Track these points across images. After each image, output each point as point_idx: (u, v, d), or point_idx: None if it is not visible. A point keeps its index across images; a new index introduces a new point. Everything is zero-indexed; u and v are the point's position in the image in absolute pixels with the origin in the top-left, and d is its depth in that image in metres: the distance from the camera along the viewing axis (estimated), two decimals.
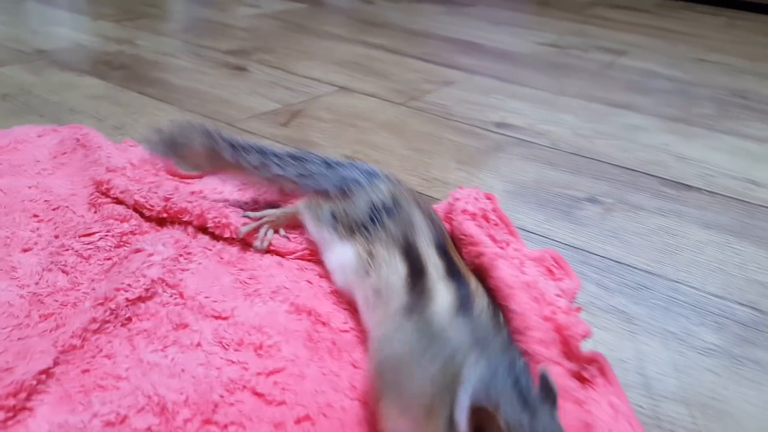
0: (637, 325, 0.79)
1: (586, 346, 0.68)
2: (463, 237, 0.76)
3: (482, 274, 0.72)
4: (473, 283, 0.67)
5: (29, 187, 0.96)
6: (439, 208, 0.90)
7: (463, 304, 0.63)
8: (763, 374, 0.72)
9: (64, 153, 1.07)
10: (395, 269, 0.69)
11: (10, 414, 0.58)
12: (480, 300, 0.65)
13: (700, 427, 0.64)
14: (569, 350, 0.65)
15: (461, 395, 0.50)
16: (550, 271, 0.83)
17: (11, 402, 0.59)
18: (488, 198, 0.91)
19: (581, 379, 0.66)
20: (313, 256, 0.84)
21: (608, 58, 2.16)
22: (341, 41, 2.15)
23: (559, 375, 0.62)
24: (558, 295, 0.71)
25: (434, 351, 0.56)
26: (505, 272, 0.69)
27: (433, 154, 1.25)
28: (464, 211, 0.80)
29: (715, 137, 1.46)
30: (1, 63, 1.59)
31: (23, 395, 0.59)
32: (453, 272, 0.67)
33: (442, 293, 0.64)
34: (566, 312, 0.67)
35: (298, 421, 0.60)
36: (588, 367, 0.66)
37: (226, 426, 0.59)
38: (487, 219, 0.82)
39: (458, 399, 0.50)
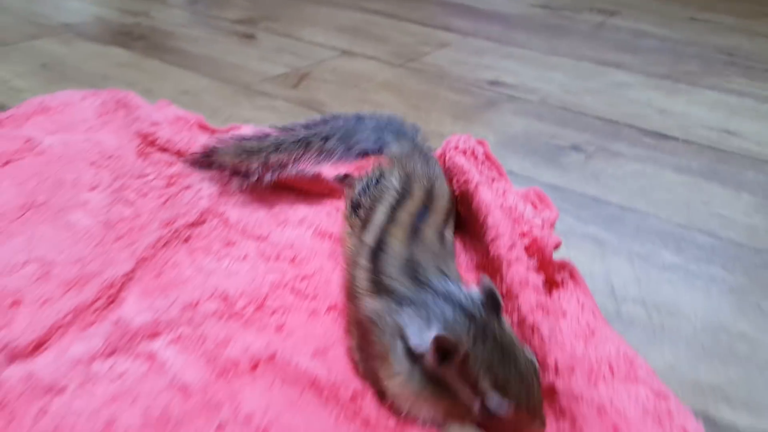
0: (607, 248, 1.00)
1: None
2: (452, 168, 0.97)
3: (467, 201, 0.93)
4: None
5: (83, 141, 1.17)
6: (436, 154, 1.11)
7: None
8: (713, 285, 0.92)
9: (107, 113, 1.28)
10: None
11: (109, 300, 0.80)
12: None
13: (654, 322, 0.85)
14: (543, 257, 0.86)
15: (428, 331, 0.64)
16: (533, 204, 1.04)
17: (107, 292, 0.80)
18: (479, 143, 1.11)
19: (553, 283, 0.87)
20: (331, 192, 1.05)
21: (599, 19, 2.36)
22: (341, 8, 2.35)
23: (521, 269, 0.80)
24: (534, 216, 0.91)
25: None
26: (486, 196, 0.90)
27: (431, 110, 1.46)
28: (455, 148, 1.01)
29: (697, 92, 1.66)
30: (34, 36, 1.80)
31: (115, 289, 0.81)
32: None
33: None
34: (540, 227, 0.88)
35: (327, 310, 0.82)
36: (560, 272, 0.88)
37: (274, 311, 0.80)
38: (475, 156, 1.03)
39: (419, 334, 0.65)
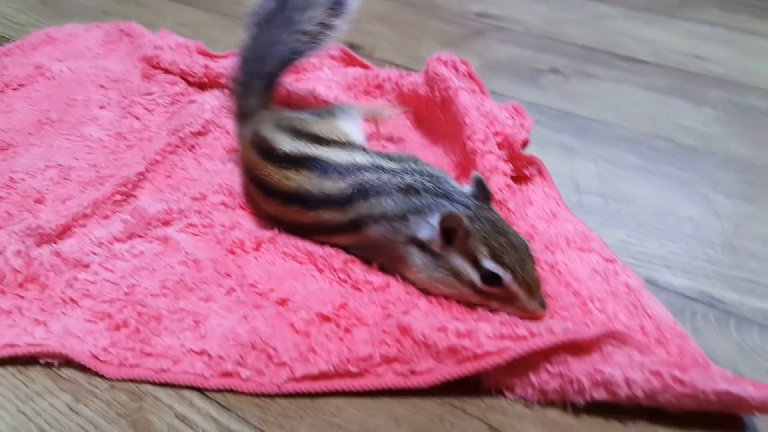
0: (575, 152, 1.10)
1: None
2: (435, 76, 1.06)
3: (447, 107, 1.02)
4: None
5: (90, 67, 1.26)
6: (422, 72, 1.20)
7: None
8: (667, 180, 1.02)
9: (112, 42, 1.36)
10: None
11: (124, 196, 0.91)
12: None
13: (611, 208, 0.96)
14: (513, 152, 0.96)
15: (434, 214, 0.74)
16: (511, 115, 1.14)
17: (123, 189, 0.91)
18: (463, 62, 1.20)
19: (522, 176, 0.97)
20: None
21: None
22: None
23: (492, 159, 0.89)
24: (507, 118, 1.01)
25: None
26: (465, 99, 1.00)
27: (421, 39, 1.55)
28: (437, 59, 1.10)
29: (673, 23, 1.74)
30: None
31: (130, 185, 0.92)
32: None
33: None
34: (512, 127, 0.98)
35: None
36: (528, 167, 0.98)
37: None
38: (457, 70, 1.12)
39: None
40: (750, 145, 1.13)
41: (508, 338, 0.65)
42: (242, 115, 0.99)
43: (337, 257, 0.79)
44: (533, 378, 0.65)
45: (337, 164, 0.80)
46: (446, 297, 0.75)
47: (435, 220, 0.73)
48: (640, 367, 0.62)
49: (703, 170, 1.05)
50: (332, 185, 0.79)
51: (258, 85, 1.00)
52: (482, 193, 0.76)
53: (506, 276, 0.70)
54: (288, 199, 0.82)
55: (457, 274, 0.73)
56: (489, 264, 0.70)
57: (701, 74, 1.43)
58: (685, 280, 0.82)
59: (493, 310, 0.72)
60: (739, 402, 0.60)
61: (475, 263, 0.71)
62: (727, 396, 0.59)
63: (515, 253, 0.71)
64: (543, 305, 0.71)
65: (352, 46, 1.47)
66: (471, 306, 0.73)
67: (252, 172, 0.86)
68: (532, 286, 0.71)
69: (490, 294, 0.72)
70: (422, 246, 0.74)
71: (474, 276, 0.71)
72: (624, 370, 0.62)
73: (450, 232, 0.72)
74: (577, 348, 0.65)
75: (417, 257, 0.75)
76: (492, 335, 0.65)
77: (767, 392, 0.59)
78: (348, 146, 0.86)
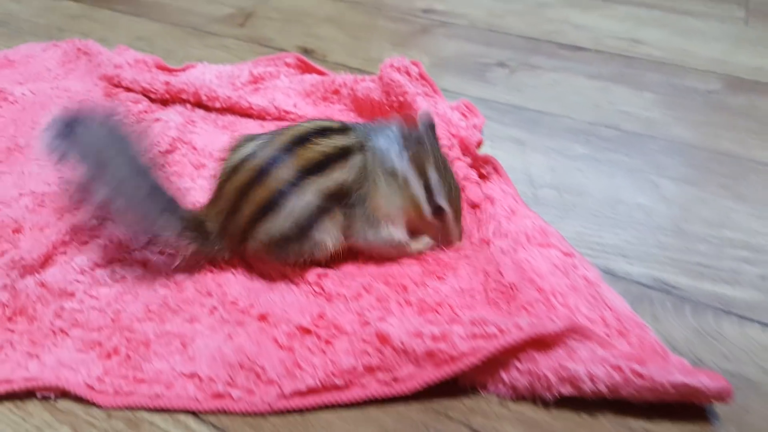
0: (526, 146, 1.13)
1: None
2: (390, 83, 1.07)
3: (405, 112, 1.04)
4: None
5: (51, 89, 1.24)
6: (376, 77, 1.21)
7: None
8: (615, 168, 1.06)
9: (70, 61, 1.34)
10: None
11: (100, 221, 0.90)
12: None
13: (565, 201, 0.99)
14: (468, 152, 0.98)
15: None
16: (462, 114, 1.16)
17: (98, 213, 0.90)
18: (414, 63, 1.22)
19: (480, 175, 0.99)
20: (287, 116, 1.15)
21: None
22: None
23: (462, 167, 0.95)
24: (460, 120, 1.03)
25: None
26: (423, 104, 1.02)
27: (371, 39, 1.56)
28: (390, 65, 1.11)
29: (609, 8, 1.78)
30: None
31: (105, 210, 0.91)
32: None
33: None
34: (466, 128, 1.00)
35: None
36: (484, 166, 1.00)
37: None
38: (409, 74, 1.14)
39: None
40: (690, 128, 1.17)
41: (480, 337, 0.67)
42: None
43: (312, 271, 0.81)
44: (504, 375, 0.67)
45: None
46: (392, 222, 0.83)
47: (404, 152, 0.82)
48: (602, 362, 0.65)
49: (649, 156, 1.09)
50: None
51: None
52: (430, 125, 0.85)
53: (449, 212, 0.84)
54: None
55: (413, 201, 0.83)
56: (442, 201, 0.83)
57: (640, 58, 1.47)
58: (641, 267, 0.85)
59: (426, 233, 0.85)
60: (696, 392, 0.63)
61: (430, 197, 0.83)
62: (684, 387, 0.63)
63: (454, 193, 0.84)
64: (460, 237, 0.86)
65: (305, 50, 1.48)
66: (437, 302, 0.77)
67: None
68: (459, 223, 0.86)
69: (431, 222, 0.84)
70: (393, 174, 0.82)
71: (426, 208, 0.83)
72: (587, 366, 0.64)
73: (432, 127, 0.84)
74: (543, 344, 0.68)
75: (385, 185, 0.82)
76: (465, 336, 0.67)
77: (721, 383, 0.63)
78: None
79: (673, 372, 0.63)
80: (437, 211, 0.83)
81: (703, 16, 1.72)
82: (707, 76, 1.38)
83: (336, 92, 1.21)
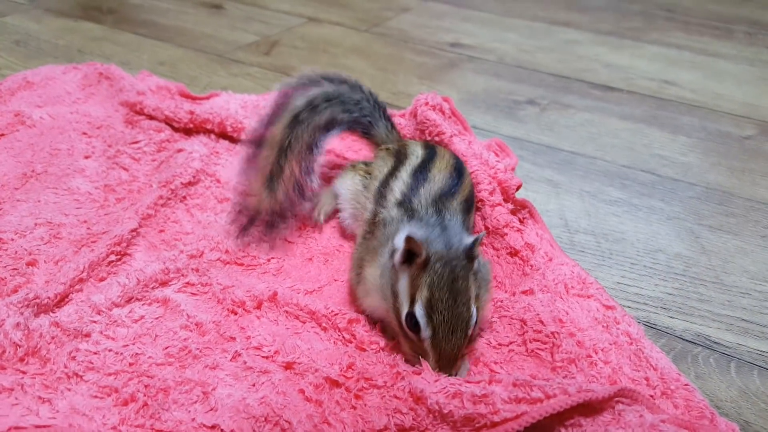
0: (560, 188, 1.10)
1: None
2: (425, 121, 1.05)
3: None
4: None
5: (70, 113, 1.22)
6: (406, 112, 1.19)
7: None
8: (653, 215, 1.03)
9: (91, 85, 1.33)
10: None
11: (119, 256, 0.88)
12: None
13: (602, 248, 0.96)
14: (507, 196, 0.96)
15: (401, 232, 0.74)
16: (495, 153, 1.13)
17: (117, 248, 0.88)
18: (445, 100, 1.20)
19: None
20: None
21: None
22: None
23: (504, 214, 0.92)
24: (497, 162, 1.01)
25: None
26: (460, 146, 0.99)
27: (397, 72, 1.54)
28: (426, 104, 1.09)
29: (640, 47, 1.77)
30: (1, 14, 1.81)
31: (124, 244, 0.89)
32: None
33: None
34: (503, 171, 0.98)
35: (320, 255, 0.91)
36: (521, 210, 0.97)
37: (271, 258, 0.89)
38: (443, 112, 1.11)
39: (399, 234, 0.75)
40: (728, 175, 1.14)
41: (523, 402, 0.64)
42: None
43: (341, 316, 0.78)
44: None
45: None
46: (373, 312, 0.78)
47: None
48: (650, 430, 0.61)
49: (687, 203, 1.06)
50: None
51: None
52: (470, 252, 0.72)
53: (426, 332, 0.69)
54: None
55: (395, 296, 0.72)
56: (419, 310, 0.69)
57: (673, 100, 1.44)
58: (683, 322, 0.82)
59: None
60: None
61: (412, 300, 0.70)
62: None
63: (450, 318, 0.68)
64: (445, 368, 0.69)
65: None
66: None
67: None
68: (444, 357, 0.69)
69: (406, 333, 0.71)
70: (392, 254, 0.74)
71: (403, 309, 0.70)
72: None
73: (412, 256, 0.71)
74: (590, 408, 0.64)
75: (383, 256, 0.75)
76: (507, 399, 0.64)
77: None
78: None
79: None
80: (411, 323, 0.70)
81: (734, 59, 1.70)
82: (742, 121, 1.36)
83: None
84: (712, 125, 1.33)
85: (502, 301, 0.80)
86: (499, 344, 0.76)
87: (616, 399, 0.64)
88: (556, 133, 1.28)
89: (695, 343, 0.79)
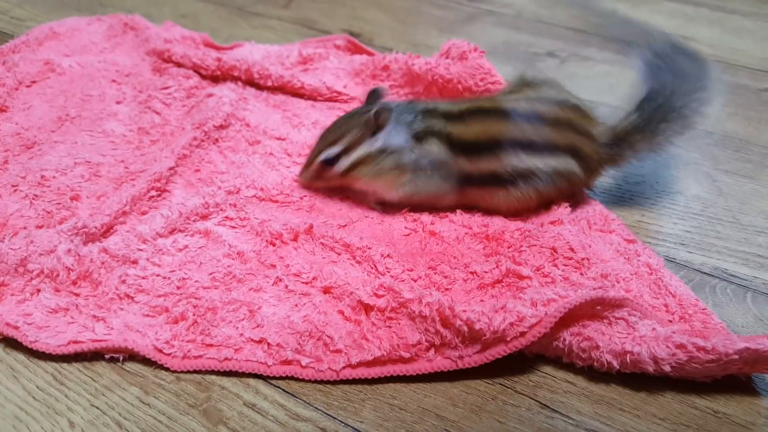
0: None
1: None
2: (478, 66, 1.09)
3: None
4: None
5: (98, 62, 1.27)
6: (435, 54, 1.21)
7: None
8: (671, 160, 1.07)
9: (116, 35, 1.37)
10: None
11: (159, 192, 0.93)
12: None
13: (623, 190, 1.01)
14: None
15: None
16: None
17: (157, 184, 0.93)
18: (475, 50, 1.23)
19: None
20: (336, 99, 1.18)
21: None
22: None
23: None
24: None
25: None
26: None
27: (417, 25, 1.58)
28: (475, 50, 1.13)
29: (657, 3, 1.79)
30: None
31: (163, 180, 0.94)
32: None
33: None
34: None
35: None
36: None
37: (303, 196, 0.94)
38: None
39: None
40: (744, 124, 1.18)
41: (539, 303, 0.70)
42: None
43: (375, 250, 0.83)
44: (563, 346, 0.70)
45: None
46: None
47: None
48: (665, 342, 0.67)
49: (704, 149, 1.10)
50: None
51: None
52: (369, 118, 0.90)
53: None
54: None
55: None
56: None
57: None
58: (701, 257, 0.87)
59: None
60: (761, 358, 0.65)
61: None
62: (748, 353, 0.64)
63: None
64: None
65: (351, 33, 1.50)
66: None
67: None
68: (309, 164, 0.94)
69: None
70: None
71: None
72: (650, 347, 0.66)
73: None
74: (604, 318, 0.70)
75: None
76: (529, 304, 0.70)
77: None
78: None
79: (736, 340, 0.65)
80: None
81: (752, 16, 1.73)
82: (759, 74, 1.39)
83: (385, 68, 1.22)
84: (730, 78, 1.37)
85: (530, 231, 0.85)
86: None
87: (629, 311, 0.70)
88: (576, 83, 1.32)
89: (712, 276, 0.84)
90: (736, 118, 1.20)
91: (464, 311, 0.68)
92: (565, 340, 0.69)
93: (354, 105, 1.15)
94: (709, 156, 1.09)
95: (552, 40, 1.52)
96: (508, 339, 0.67)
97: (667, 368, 0.66)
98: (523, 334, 0.67)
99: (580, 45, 1.50)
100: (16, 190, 0.94)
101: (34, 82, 1.21)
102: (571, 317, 0.69)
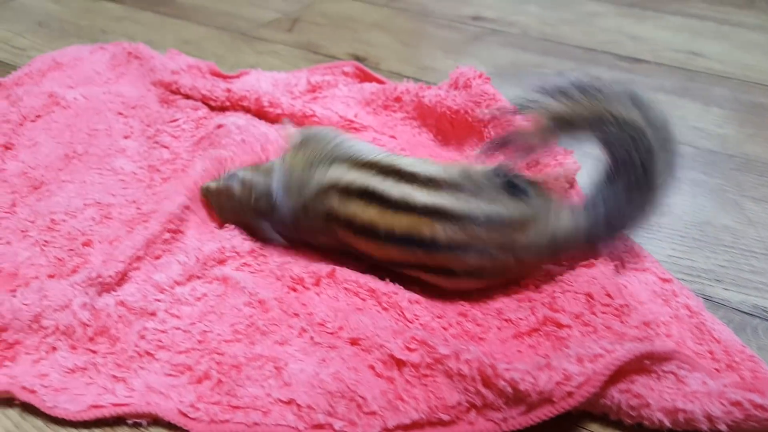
0: (601, 162, 1.11)
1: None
2: (482, 93, 1.05)
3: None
4: None
5: (103, 93, 1.22)
6: (444, 84, 1.18)
7: None
8: (696, 188, 1.03)
9: (120, 65, 1.32)
10: None
11: (173, 233, 0.88)
12: None
13: (651, 222, 0.97)
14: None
15: None
16: None
17: (171, 226, 0.88)
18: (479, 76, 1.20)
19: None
20: (351, 126, 1.13)
21: None
22: None
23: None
24: None
25: None
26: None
27: (421, 47, 1.54)
28: (480, 76, 1.09)
29: (662, 18, 1.76)
30: None
31: (177, 221, 0.89)
32: None
33: None
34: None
35: None
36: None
37: None
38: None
39: None
40: (765, 146, 1.15)
41: (585, 359, 0.65)
42: None
43: (402, 296, 0.78)
44: (611, 404, 0.65)
45: None
46: None
47: None
48: (718, 399, 0.62)
49: (728, 174, 1.06)
50: None
51: None
52: None
53: None
54: None
55: None
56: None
57: (702, 72, 1.44)
58: (738, 294, 0.83)
59: None
60: None
61: None
62: None
63: None
64: None
65: (357, 58, 1.46)
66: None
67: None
68: None
69: None
70: None
71: None
72: (703, 404, 0.62)
73: None
74: (653, 372, 0.65)
75: None
76: (575, 361, 0.65)
77: None
78: None
79: None
80: None
81: (759, 29, 1.70)
82: None
83: (398, 99, 1.18)
84: (745, 96, 1.33)
85: (562, 275, 0.80)
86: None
87: (677, 364, 0.66)
88: None
89: (753, 315, 0.80)
90: (756, 140, 1.17)
91: (507, 370, 0.64)
92: (613, 397, 0.64)
93: (368, 134, 1.10)
94: (734, 182, 1.05)
95: (560, 60, 1.48)
96: (555, 400, 0.62)
97: (723, 427, 0.62)
98: (570, 394, 0.62)
99: (589, 63, 1.47)
100: (25, 236, 0.90)
101: (38, 116, 1.16)
102: (619, 372, 0.64)
